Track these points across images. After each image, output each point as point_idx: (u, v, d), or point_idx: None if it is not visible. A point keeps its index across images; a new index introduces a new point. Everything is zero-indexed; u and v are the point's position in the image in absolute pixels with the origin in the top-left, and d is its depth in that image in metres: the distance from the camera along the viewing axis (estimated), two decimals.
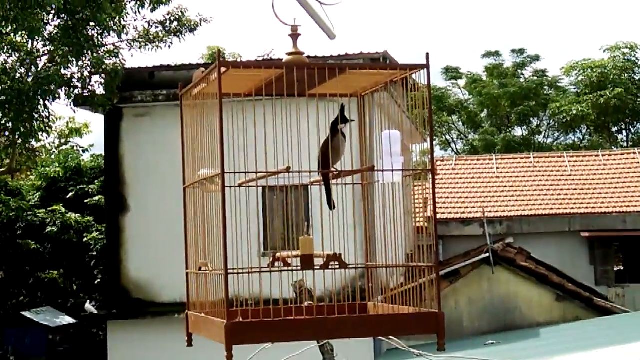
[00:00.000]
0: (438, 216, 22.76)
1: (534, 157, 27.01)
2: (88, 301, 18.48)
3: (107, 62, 16.70)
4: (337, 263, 3.62)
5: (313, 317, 3.59)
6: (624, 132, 41.68)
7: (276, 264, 3.71)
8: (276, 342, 3.57)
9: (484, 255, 18.26)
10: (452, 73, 43.28)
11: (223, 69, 3.54)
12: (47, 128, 17.19)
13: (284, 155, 3.78)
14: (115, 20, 16.75)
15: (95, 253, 25.14)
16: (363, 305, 4.02)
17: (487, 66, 42.98)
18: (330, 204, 3.94)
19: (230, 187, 3.58)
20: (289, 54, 3.85)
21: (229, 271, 3.45)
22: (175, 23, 18.35)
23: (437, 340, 3.56)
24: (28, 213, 25.70)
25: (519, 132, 42.40)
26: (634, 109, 39.58)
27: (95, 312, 17.66)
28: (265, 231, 14.21)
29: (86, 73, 16.63)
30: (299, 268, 3.68)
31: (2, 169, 21.08)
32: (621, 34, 77.78)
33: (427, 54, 3.70)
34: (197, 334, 3.93)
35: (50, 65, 16.54)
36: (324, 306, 3.69)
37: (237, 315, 3.59)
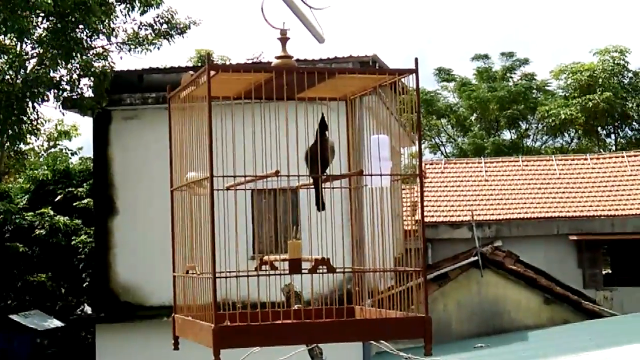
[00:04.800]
0: (427, 219, 22.79)
1: (522, 161, 27.09)
2: (85, 305, 18.41)
3: (96, 64, 16.66)
4: (325, 267, 3.62)
5: (300, 321, 3.59)
6: (613, 135, 41.83)
7: (264, 267, 3.71)
8: (263, 346, 3.57)
9: (472, 259, 18.29)
10: (443, 75, 43.35)
11: (212, 72, 3.54)
12: (36, 130, 17.16)
13: (272, 158, 3.78)
14: (105, 23, 16.71)
15: (83, 256, 25.05)
16: (350, 309, 4.02)
17: (476, 69, 43.09)
18: (319, 205, 3.93)
19: (218, 190, 3.58)
20: (278, 58, 3.85)
21: (217, 275, 3.44)
22: (165, 25, 18.32)
23: (424, 345, 3.56)
24: (16, 216, 25.59)
25: (507, 135, 42.54)
26: (623, 112, 39.72)
27: (90, 311, 17.61)
28: (254, 234, 14.20)
29: (75, 76, 16.58)
30: (287, 272, 3.67)
31: None
32: (611, 37, 78.11)
33: (416, 59, 3.71)
34: (184, 337, 3.91)
35: (39, 67, 16.49)
36: (311, 310, 3.69)
37: (225, 319, 3.58)
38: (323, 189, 3.95)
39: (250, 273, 3.64)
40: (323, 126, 3.91)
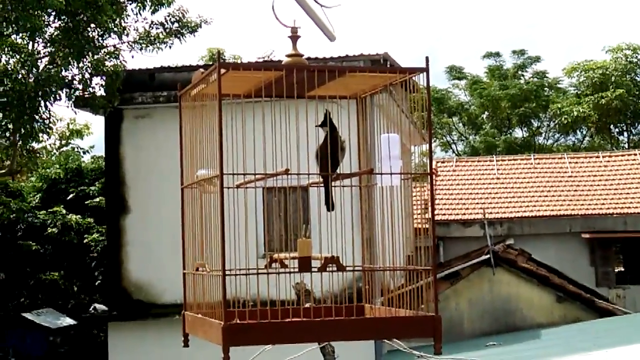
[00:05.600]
0: (439, 217, 22.77)
1: (534, 159, 27.01)
2: (96, 304, 18.43)
3: (107, 63, 16.70)
4: (334, 265, 3.62)
5: (309, 319, 3.59)
6: (625, 133, 41.65)
7: (273, 265, 3.71)
8: (273, 344, 3.57)
9: (484, 257, 18.26)
10: (455, 73, 43.27)
11: (223, 71, 3.54)
12: (48, 129, 17.18)
13: (282, 156, 3.78)
14: (116, 22, 16.73)
15: (95, 254, 25.12)
16: (360, 307, 4.02)
17: (487, 67, 42.99)
18: (329, 205, 3.93)
19: (228, 188, 3.58)
20: (288, 56, 3.85)
21: (227, 272, 3.45)
22: (176, 24, 18.32)
23: (434, 344, 3.55)
24: (29, 214, 25.70)
25: (519, 133, 42.43)
26: (635, 110, 39.54)
27: (106, 308, 17.59)
28: (265, 232, 14.22)
29: (87, 75, 16.62)
30: (297, 270, 3.67)
31: (3, 171, 21.07)
32: (623, 35, 77.83)
33: (427, 58, 3.70)
34: (194, 334, 3.92)
35: (51, 66, 16.53)
36: (320, 308, 3.69)
37: (235, 317, 3.58)
38: (333, 188, 3.95)
39: (260, 271, 3.65)
40: (331, 124, 3.91)
